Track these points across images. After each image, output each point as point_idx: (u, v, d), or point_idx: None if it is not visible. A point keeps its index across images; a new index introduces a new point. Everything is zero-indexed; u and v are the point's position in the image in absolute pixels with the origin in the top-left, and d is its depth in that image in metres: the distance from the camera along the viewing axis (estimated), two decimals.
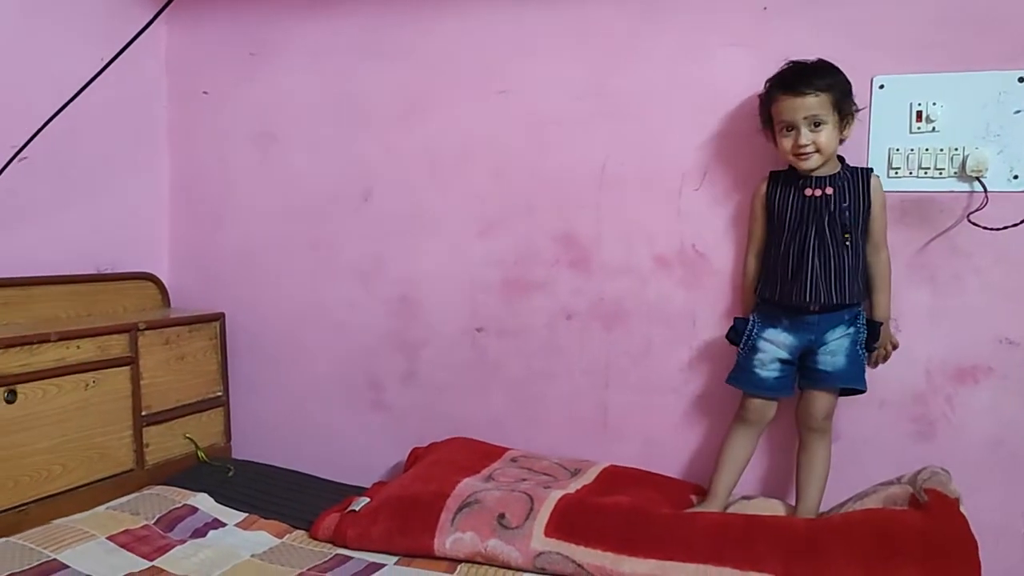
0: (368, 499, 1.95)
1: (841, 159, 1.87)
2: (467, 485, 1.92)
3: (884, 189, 1.86)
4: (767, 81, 1.86)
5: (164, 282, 2.54)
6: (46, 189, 2.23)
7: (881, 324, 1.86)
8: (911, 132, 1.87)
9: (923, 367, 1.90)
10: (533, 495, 1.85)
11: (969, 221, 1.82)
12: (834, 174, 1.84)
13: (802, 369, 1.90)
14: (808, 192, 1.84)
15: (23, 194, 2.16)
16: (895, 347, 1.89)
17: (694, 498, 1.98)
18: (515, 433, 2.26)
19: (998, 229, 1.78)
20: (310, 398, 2.49)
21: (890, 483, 1.82)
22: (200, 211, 2.58)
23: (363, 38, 2.36)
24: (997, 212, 1.79)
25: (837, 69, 1.82)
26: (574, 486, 1.95)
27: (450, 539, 1.78)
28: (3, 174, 1.83)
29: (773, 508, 1.91)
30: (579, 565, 1.69)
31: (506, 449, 2.20)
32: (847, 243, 1.81)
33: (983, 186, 1.81)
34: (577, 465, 2.10)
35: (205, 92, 2.55)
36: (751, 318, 1.94)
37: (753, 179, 1.97)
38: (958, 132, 1.84)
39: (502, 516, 1.79)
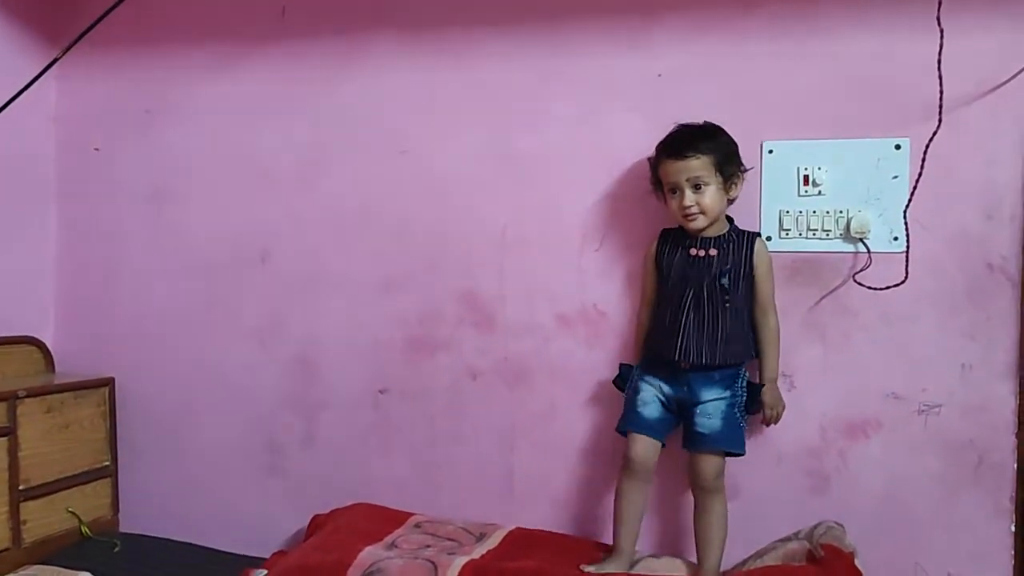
0: (266, 571, 1.87)
1: (730, 220, 1.92)
2: (369, 554, 1.86)
3: (775, 250, 1.93)
4: (656, 145, 1.92)
5: (48, 346, 2.42)
6: None
7: (763, 387, 1.89)
8: (799, 195, 1.95)
9: (817, 423, 1.95)
10: (437, 562, 1.81)
11: (855, 281, 1.89)
12: (719, 236, 1.89)
13: (685, 431, 1.92)
14: (692, 252, 1.89)
15: None
16: (781, 409, 1.91)
17: (602, 555, 1.97)
18: (420, 497, 2.22)
19: (881, 289, 1.85)
20: (205, 465, 2.39)
21: (788, 539, 1.85)
22: (90, 271, 2.48)
23: (264, 96, 2.33)
24: (880, 272, 1.87)
25: (721, 132, 1.88)
26: (479, 551, 1.92)
27: None
28: None
29: (676, 568, 1.91)
30: None
31: (410, 514, 2.15)
32: (726, 304, 1.85)
33: (867, 247, 1.89)
34: (482, 529, 2.07)
35: (97, 148, 2.47)
36: (635, 366, 1.99)
37: (649, 238, 2.01)
38: (842, 195, 1.92)
39: None
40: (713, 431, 1.86)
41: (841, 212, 1.92)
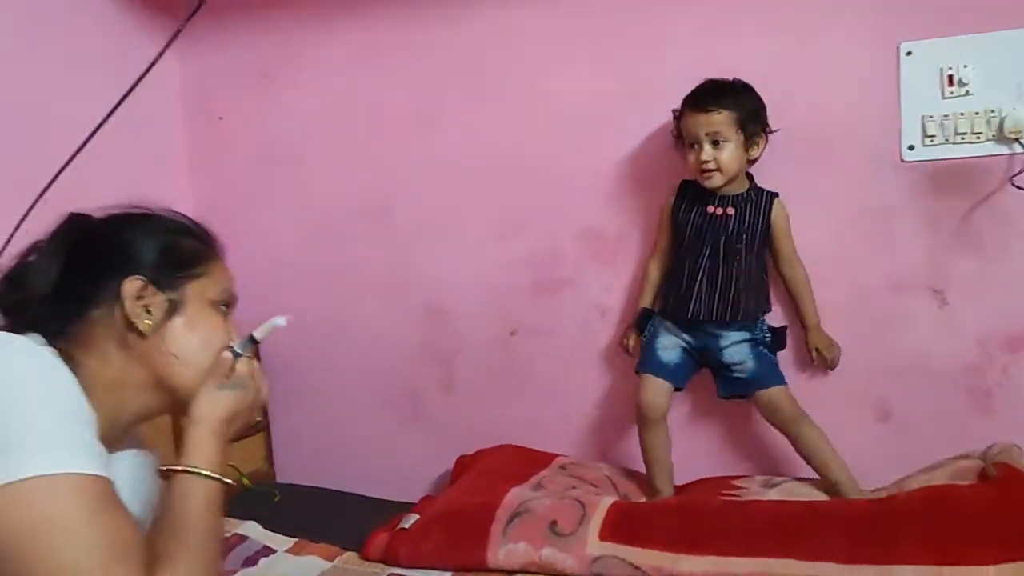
0: (417, 516, 1.93)
1: (750, 178, 1.90)
2: (516, 495, 1.88)
3: (917, 159, 1.83)
4: (684, 97, 1.87)
5: None
6: None
7: (785, 328, 1.94)
8: (944, 98, 1.83)
9: (974, 337, 1.85)
10: (585, 501, 1.81)
11: (1013, 184, 1.76)
12: (738, 194, 1.88)
13: (725, 380, 1.94)
14: (710, 209, 1.88)
15: None
16: (838, 352, 1.93)
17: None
18: (560, 437, 2.23)
19: None
20: (349, 416, 2.46)
21: (958, 458, 1.77)
22: (223, 237, 2.55)
23: (378, 47, 2.32)
24: None
25: (747, 89, 1.84)
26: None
27: (503, 551, 1.74)
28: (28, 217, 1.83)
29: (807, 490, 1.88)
30: (636, 567, 1.64)
31: (555, 455, 2.17)
32: (741, 265, 1.86)
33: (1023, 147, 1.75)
34: (625, 486, 2.06)
35: (220, 117, 2.54)
36: (655, 312, 2.02)
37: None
38: (993, 94, 1.79)
39: (554, 523, 1.76)
40: (751, 373, 1.89)
41: (993, 112, 1.79)
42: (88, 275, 1.04)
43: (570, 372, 2.23)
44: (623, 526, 1.72)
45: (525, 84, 2.19)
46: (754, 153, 1.85)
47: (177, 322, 1.05)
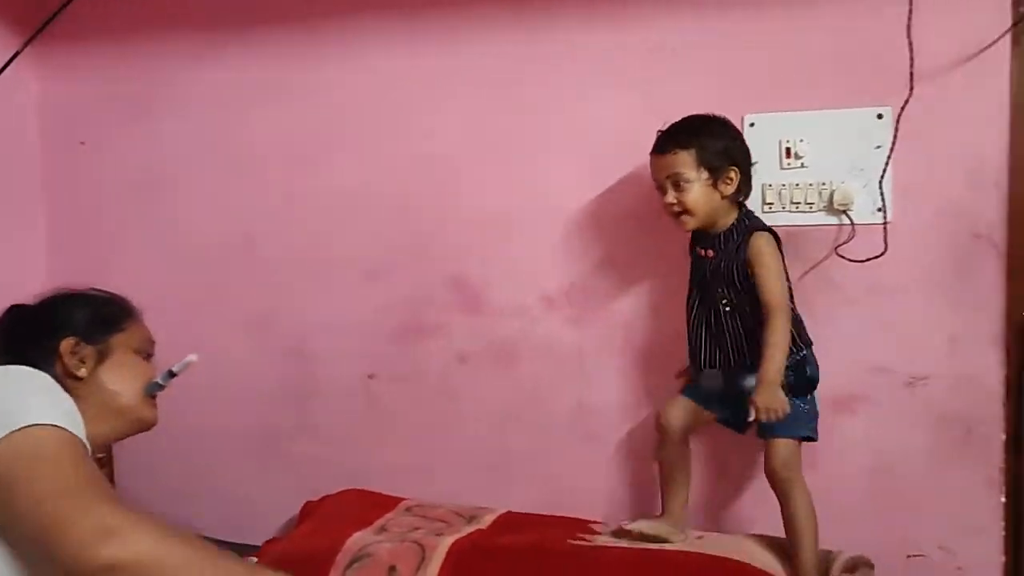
0: (255, 560, 1.88)
1: (741, 209, 1.81)
2: (357, 539, 1.88)
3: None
4: None
5: None
6: None
7: (815, 367, 1.78)
8: (781, 168, 1.92)
9: None
10: (424, 544, 1.82)
11: (837, 254, 1.86)
12: (719, 234, 1.78)
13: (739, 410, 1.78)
14: (699, 252, 1.83)
15: None
16: (778, 413, 1.66)
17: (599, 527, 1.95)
18: (413, 482, 2.22)
19: (862, 261, 1.83)
20: (202, 452, 2.41)
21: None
22: (80, 264, 2.46)
23: (251, 83, 2.31)
24: (865, 244, 1.84)
25: (709, 125, 1.76)
26: (468, 531, 1.92)
27: None
28: None
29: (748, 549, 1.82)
30: None
31: (401, 499, 2.16)
32: (726, 308, 1.77)
33: (850, 219, 1.86)
34: (473, 512, 2.07)
35: (82, 142, 2.47)
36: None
37: (636, 217, 1.99)
38: (825, 168, 1.89)
39: (392, 568, 1.76)
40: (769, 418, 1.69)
41: (824, 184, 1.89)
42: (34, 343, 1.31)
43: (428, 418, 2.23)
44: (462, 569, 1.72)
45: (396, 125, 2.21)
46: (727, 190, 1.74)
47: (107, 365, 1.33)
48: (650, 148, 1.80)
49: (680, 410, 1.85)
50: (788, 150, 1.91)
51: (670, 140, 1.76)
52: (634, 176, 1.98)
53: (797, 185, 1.91)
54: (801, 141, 1.90)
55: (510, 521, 2.03)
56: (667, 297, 2.00)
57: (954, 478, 1.85)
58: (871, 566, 1.81)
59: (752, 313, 1.75)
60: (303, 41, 2.26)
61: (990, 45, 1.76)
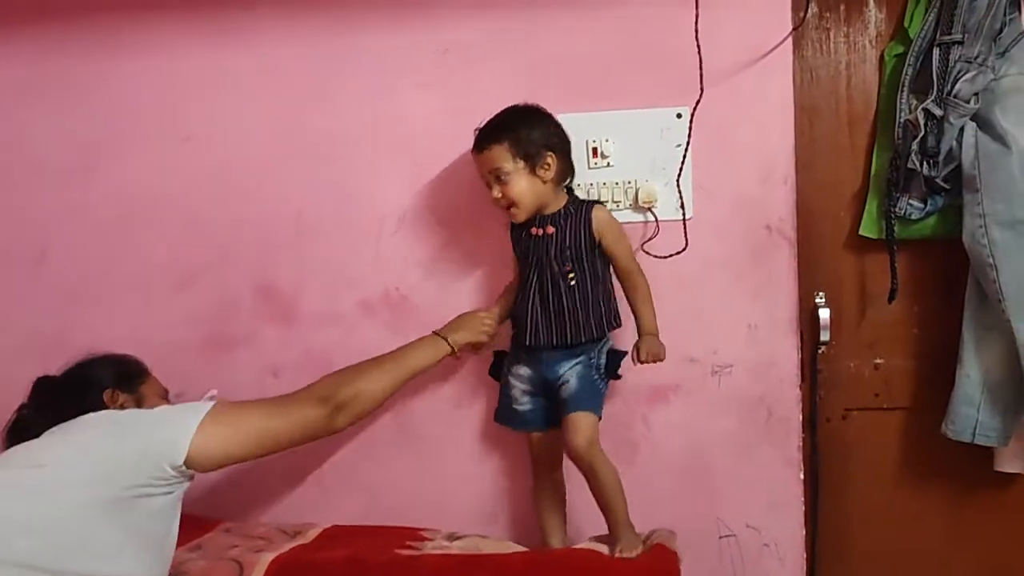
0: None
1: (570, 192, 1.86)
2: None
3: None
4: None
5: None
6: None
7: (624, 353, 1.85)
8: (589, 168, 1.95)
9: (619, 393, 1.98)
10: (242, 561, 1.73)
11: (643, 250, 1.92)
12: (556, 212, 1.81)
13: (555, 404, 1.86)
14: (533, 231, 1.82)
15: None
16: (659, 355, 1.79)
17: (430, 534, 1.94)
18: (232, 503, 2.12)
19: (665, 257, 1.90)
20: None
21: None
22: None
23: (29, 81, 2.14)
24: (669, 240, 1.91)
25: (519, 116, 1.79)
26: (289, 546, 1.85)
27: None
28: None
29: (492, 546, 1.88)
30: None
31: (219, 522, 2.05)
32: (572, 282, 1.79)
33: (655, 216, 1.92)
34: (298, 528, 2.00)
35: None
36: (506, 354, 1.94)
37: (448, 217, 1.98)
38: (630, 166, 1.94)
39: None
40: (569, 393, 1.79)
41: (630, 183, 1.94)
42: (76, 401, 1.58)
43: None
44: None
45: (193, 128, 2.10)
46: (547, 176, 1.76)
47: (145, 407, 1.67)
48: (462, 148, 1.80)
49: (538, 440, 1.89)
50: (595, 150, 1.95)
51: (485, 136, 1.77)
52: (449, 175, 1.97)
53: (604, 184, 1.95)
54: (607, 141, 1.94)
55: (336, 534, 1.97)
56: (490, 296, 2.00)
57: (758, 459, 1.95)
58: (673, 533, 1.87)
59: (593, 285, 1.80)
60: (81, 37, 2.11)
61: (773, 49, 1.87)
